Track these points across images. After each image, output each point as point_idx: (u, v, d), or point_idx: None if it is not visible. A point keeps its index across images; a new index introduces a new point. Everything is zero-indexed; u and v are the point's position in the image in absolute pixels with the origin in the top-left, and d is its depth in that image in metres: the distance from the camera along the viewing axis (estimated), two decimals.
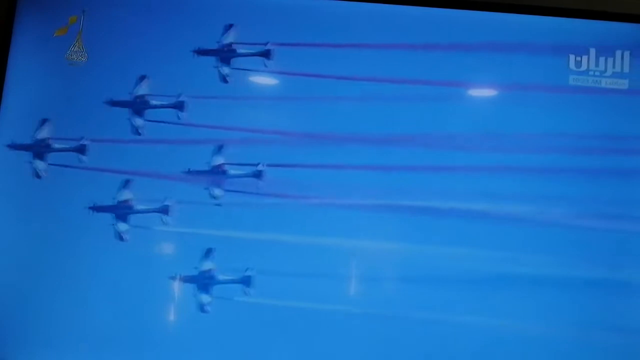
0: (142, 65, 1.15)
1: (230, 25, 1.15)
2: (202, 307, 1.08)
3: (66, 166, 1.13)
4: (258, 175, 1.11)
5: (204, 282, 1.09)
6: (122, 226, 1.10)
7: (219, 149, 1.12)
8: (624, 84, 1.13)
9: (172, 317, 1.09)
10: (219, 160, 1.12)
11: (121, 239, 1.10)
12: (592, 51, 1.14)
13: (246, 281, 1.09)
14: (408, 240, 1.10)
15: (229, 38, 1.15)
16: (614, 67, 1.14)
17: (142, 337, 1.09)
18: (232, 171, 1.12)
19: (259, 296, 1.09)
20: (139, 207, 1.11)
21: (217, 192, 1.12)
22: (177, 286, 1.09)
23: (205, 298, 1.08)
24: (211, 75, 1.15)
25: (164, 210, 1.11)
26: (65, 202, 1.11)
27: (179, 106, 1.14)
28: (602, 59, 1.14)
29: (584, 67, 1.14)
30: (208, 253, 1.09)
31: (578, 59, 1.14)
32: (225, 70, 1.14)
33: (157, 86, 1.14)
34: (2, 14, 1.17)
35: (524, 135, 1.12)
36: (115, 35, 1.16)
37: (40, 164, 1.13)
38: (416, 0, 1.14)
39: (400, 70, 1.14)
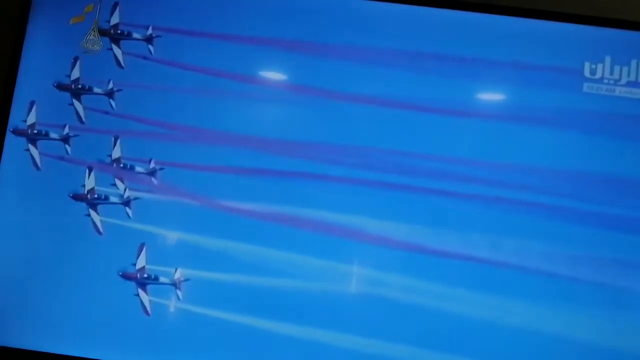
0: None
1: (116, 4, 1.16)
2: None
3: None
4: (152, 172, 1.12)
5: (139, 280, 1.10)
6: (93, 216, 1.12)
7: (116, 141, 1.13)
8: (638, 93, 1.11)
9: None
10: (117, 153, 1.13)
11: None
12: (608, 59, 1.13)
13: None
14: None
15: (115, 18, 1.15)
16: (628, 76, 1.12)
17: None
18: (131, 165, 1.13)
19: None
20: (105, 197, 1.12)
21: (119, 185, 1.12)
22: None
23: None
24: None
25: (127, 203, 1.12)
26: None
27: (110, 94, 1.14)
28: (617, 68, 1.13)
29: (598, 75, 1.12)
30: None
31: (593, 66, 1.13)
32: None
33: None
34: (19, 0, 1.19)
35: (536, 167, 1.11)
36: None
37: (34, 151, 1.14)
38: (429, 1, 1.14)
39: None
